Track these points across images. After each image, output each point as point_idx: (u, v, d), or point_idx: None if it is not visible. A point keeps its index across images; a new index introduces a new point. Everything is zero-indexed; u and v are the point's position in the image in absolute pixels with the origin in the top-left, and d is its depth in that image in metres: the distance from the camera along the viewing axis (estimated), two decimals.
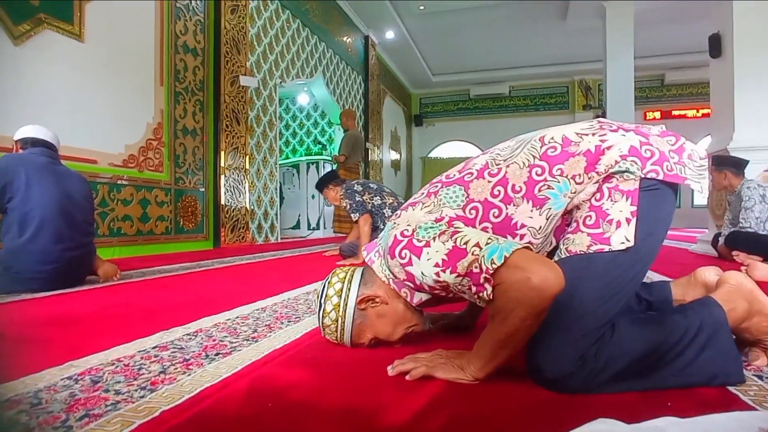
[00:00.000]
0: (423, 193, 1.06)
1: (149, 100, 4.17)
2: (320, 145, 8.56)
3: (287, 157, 8.60)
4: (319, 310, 1.12)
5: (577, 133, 0.98)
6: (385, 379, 0.96)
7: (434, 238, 0.92)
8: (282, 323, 1.49)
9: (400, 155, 12.38)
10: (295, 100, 8.80)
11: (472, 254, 0.86)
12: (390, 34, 9.44)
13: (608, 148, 0.93)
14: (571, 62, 11.49)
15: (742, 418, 0.44)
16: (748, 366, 1.00)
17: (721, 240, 3.43)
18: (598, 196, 0.93)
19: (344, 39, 8.34)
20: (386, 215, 3.39)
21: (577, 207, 0.96)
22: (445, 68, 12.06)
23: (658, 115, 11.55)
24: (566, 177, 0.94)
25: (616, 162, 0.92)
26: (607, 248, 0.90)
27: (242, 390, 0.91)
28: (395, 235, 0.98)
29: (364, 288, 1.09)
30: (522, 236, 0.95)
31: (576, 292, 0.88)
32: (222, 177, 5.00)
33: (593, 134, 0.97)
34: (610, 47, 7.88)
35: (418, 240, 0.93)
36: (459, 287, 0.91)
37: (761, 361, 1.01)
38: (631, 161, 0.91)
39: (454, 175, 1.05)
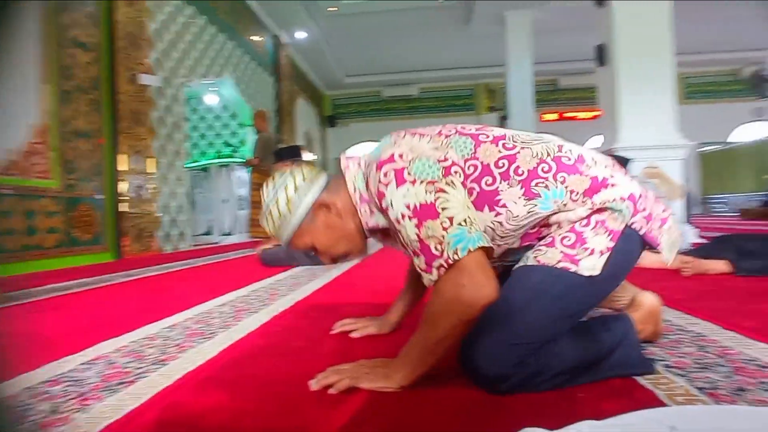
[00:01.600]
0: (434, 131, 1.03)
1: (31, 100, 3.71)
2: (231, 148, 8.20)
3: (196, 160, 8.13)
4: (269, 197, 1.05)
5: (593, 159, 1.00)
6: (308, 396, 0.92)
7: (422, 182, 0.89)
8: (194, 341, 1.38)
9: (315, 156, 12.24)
10: (202, 101, 8.34)
11: (441, 225, 0.85)
12: (301, 35, 9.30)
13: (613, 185, 0.96)
14: (476, 66, 12.11)
15: (653, 417, 0.47)
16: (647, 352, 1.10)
17: None
18: (584, 222, 0.95)
19: (253, 38, 8.07)
20: None
21: (559, 225, 0.97)
22: (357, 70, 12.14)
23: (554, 116, 12.52)
24: (566, 187, 0.94)
25: (614, 199, 0.94)
26: (573, 268, 0.92)
27: (150, 423, 0.82)
28: (392, 153, 0.94)
29: (326, 193, 1.05)
30: (498, 214, 0.95)
31: (532, 304, 0.89)
32: (123, 182, 4.61)
33: (605, 167, 0.99)
34: (510, 53, 8.41)
35: (408, 172, 0.90)
36: (408, 243, 0.89)
37: None
38: (626, 205, 0.95)
39: (470, 129, 1.03)
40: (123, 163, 4.63)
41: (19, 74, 3.61)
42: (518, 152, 0.97)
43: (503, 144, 0.99)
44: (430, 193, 0.88)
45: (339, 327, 1.40)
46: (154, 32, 5.19)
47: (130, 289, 2.57)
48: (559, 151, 0.99)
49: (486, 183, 0.95)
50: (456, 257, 0.83)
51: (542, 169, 0.95)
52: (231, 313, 1.77)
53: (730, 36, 10.48)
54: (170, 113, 5.47)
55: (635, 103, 4.37)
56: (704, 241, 3.51)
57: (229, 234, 7.38)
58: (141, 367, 1.14)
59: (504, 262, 1.06)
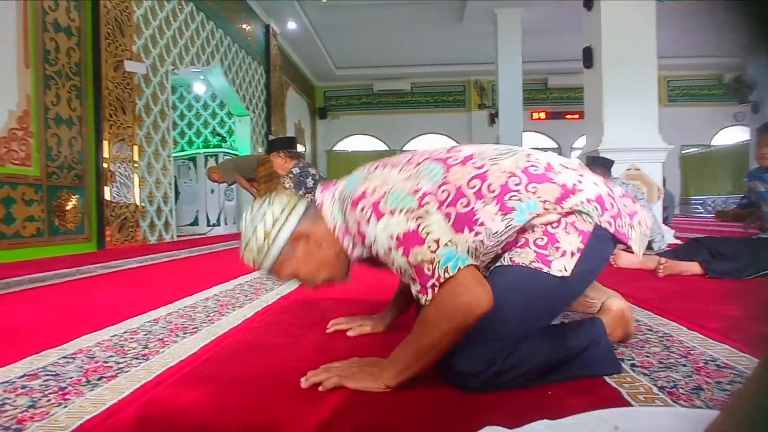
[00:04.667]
0: (404, 160, 1.06)
1: (11, 85, 3.63)
2: (219, 137, 8.14)
3: (182, 150, 8.06)
4: (248, 229, 1.05)
5: (561, 164, 1.04)
6: (287, 393, 0.94)
7: (401, 211, 0.91)
8: (177, 335, 1.40)
9: (305, 148, 12.18)
10: (190, 89, 8.25)
11: (429, 249, 0.87)
12: (292, 25, 9.21)
13: (581, 190, 0.99)
14: (467, 63, 12.09)
15: (601, 416, 0.51)
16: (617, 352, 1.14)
17: None
18: (555, 224, 0.99)
19: (243, 27, 7.97)
20: None
21: (532, 230, 1.00)
22: (348, 62, 12.06)
23: (543, 115, 12.60)
24: (538, 198, 0.97)
25: (581, 202, 0.98)
26: (545, 269, 0.95)
27: (130, 419, 0.84)
28: (365, 189, 0.96)
29: (303, 223, 1.05)
30: (478, 233, 0.98)
31: (505, 303, 0.92)
32: (106, 171, 4.55)
33: (574, 170, 1.03)
34: (501, 51, 8.45)
35: (385, 202, 0.93)
36: (402, 270, 0.92)
37: None
38: (594, 206, 0.99)
39: (440, 154, 1.06)
40: (107, 152, 4.57)
41: None
42: (488, 170, 1.01)
43: (473, 164, 1.02)
44: (411, 220, 0.91)
45: (333, 326, 1.40)
46: (139, 18, 5.12)
47: (113, 280, 2.56)
48: (528, 161, 1.03)
49: (462, 205, 0.98)
50: (447, 275, 0.85)
51: (513, 183, 0.99)
52: (215, 308, 1.79)
53: (713, 42, 10.63)
54: (156, 101, 5.40)
55: (619, 105, 4.43)
56: (680, 242, 3.60)
57: (216, 225, 7.35)
58: (122, 362, 1.15)
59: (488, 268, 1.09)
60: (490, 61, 9.30)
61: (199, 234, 7.02)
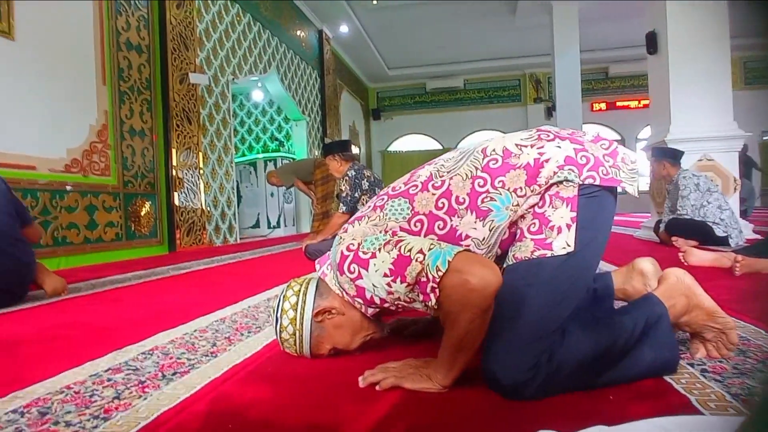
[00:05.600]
0: (369, 207, 1.08)
1: (91, 101, 3.97)
2: (277, 142, 8.44)
3: (243, 155, 8.43)
4: (276, 325, 1.12)
5: (517, 145, 1.01)
6: (344, 392, 0.97)
7: (379, 249, 0.94)
8: (242, 334, 1.48)
9: (360, 149, 12.36)
10: (249, 97, 8.60)
11: (417, 261, 0.89)
12: (344, 29, 9.37)
13: (546, 161, 0.96)
14: (522, 56, 11.78)
15: (661, 424, 0.49)
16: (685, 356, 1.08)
17: (662, 226, 3.65)
18: (540, 203, 0.97)
19: (297, 33, 8.21)
20: None
21: (522, 217, 0.99)
22: (400, 62, 12.10)
23: (603, 106, 12.04)
24: (508, 190, 0.96)
25: (554, 173, 0.95)
26: (549, 253, 0.93)
27: (201, 412, 0.90)
28: (341, 251, 0.99)
29: (319, 300, 1.09)
30: (468, 246, 0.98)
31: (526, 299, 0.91)
32: (175, 178, 4.86)
33: (532, 146, 1.00)
34: (557, 42, 8.16)
35: (363, 252, 0.95)
36: (411, 296, 0.93)
37: (701, 352, 1.08)
38: (569, 170, 0.95)
39: (400, 187, 1.07)
40: (175, 160, 4.87)
41: (80, 77, 3.87)
42: (449, 185, 1.00)
43: (432, 185, 1.01)
44: (391, 250, 0.92)
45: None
46: (201, 32, 5.41)
47: (184, 281, 2.73)
48: (485, 156, 1.01)
49: (439, 228, 0.98)
50: (440, 273, 0.86)
51: (479, 185, 0.98)
52: (272, 314, 1.86)
53: None
54: (218, 110, 5.69)
55: (688, 92, 4.15)
56: (760, 237, 3.33)
57: (276, 227, 7.63)
58: (193, 359, 1.24)
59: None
60: (545, 53, 9.02)
61: (261, 236, 7.31)
